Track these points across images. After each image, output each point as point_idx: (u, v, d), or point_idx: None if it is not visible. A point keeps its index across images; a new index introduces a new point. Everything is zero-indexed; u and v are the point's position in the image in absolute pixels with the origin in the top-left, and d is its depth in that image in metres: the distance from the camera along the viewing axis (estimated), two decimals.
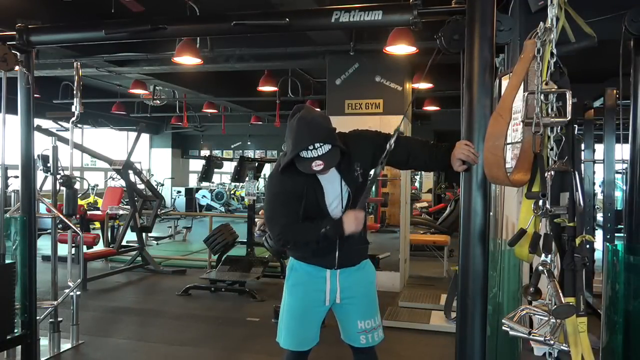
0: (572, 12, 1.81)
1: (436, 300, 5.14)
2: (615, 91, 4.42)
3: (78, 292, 4.08)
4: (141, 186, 7.19)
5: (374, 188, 7.67)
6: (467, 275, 2.11)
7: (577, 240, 1.64)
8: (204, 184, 13.97)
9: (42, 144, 4.09)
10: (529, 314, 1.74)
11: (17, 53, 2.91)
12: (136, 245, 6.98)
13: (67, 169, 4.20)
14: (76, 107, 3.96)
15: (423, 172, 13.80)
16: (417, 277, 6.34)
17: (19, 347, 3.24)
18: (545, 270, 1.69)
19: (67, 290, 3.92)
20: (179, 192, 14.49)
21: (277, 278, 6.11)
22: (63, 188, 4.24)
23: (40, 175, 4.28)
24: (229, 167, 10.19)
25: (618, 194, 6.48)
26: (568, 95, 1.67)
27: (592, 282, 4.74)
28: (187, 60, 5.47)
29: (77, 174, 9.60)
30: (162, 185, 14.05)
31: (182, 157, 15.80)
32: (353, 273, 2.30)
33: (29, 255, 3.08)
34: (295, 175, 2.12)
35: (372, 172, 2.30)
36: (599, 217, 6.32)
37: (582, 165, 4.61)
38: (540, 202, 1.68)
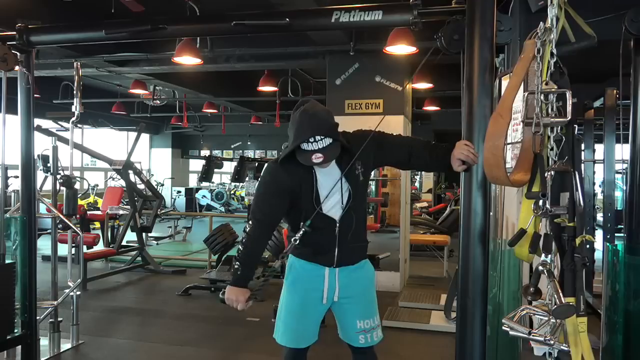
0: (572, 12, 1.81)
1: (436, 300, 5.14)
2: (615, 91, 4.42)
3: (78, 292, 4.08)
4: (141, 186, 7.19)
5: (373, 188, 7.71)
6: (467, 275, 2.11)
7: (577, 240, 1.64)
8: (204, 184, 13.97)
9: (42, 144, 4.09)
10: (529, 314, 1.74)
11: (17, 53, 2.91)
12: (136, 245, 6.98)
13: (67, 169, 4.20)
14: (76, 107, 3.96)
15: (423, 172, 13.79)
16: (417, 277, 6.34)
17: (19, 347, 3.24)
18: (545, 270, 1.69)
19: (67, 290, 3.92)
20: (179, 192, 14.50)
21: (277, 278, 6.10)
22: (63, 188, 4.24)
23: (40, 175, 4.28)
24: (229, 167, 10.19)
25: (618, 194, 6.48)
26: (568, 95, 1.67)
27: (592, 282, 4.74)
28: (187, 60, 5.47)
29: (77, 174, 9.59)
30: (162, 185, 14.06)
31: (182, 157, 15.80)
32: (352, 272, 2.30)
33: (29, 255, 3.08)
34: (294, 169, 2.13)
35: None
36: (599, 217, 6.31)
37: (582, 165, 4.60)
38: (540, 202, 1.68)
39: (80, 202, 7.01)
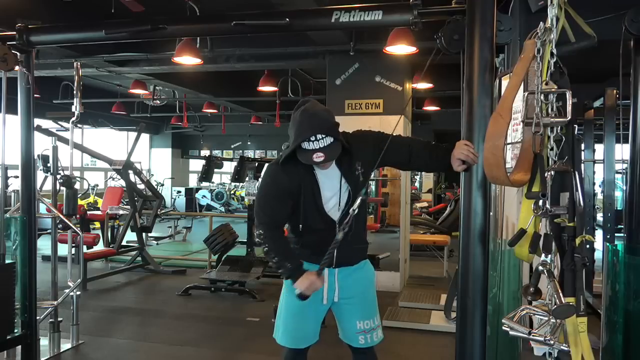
0: (572, 12, 1.81)
1: (436, 300, 5.14)
2: (615, 91, 4.42)
3: (78, 292, 4.08)
4: (141, 186, 7.19)
5: (374, 188, 7.71)
6: (467, 275, 2.11)
7: (577, 240, 1.64)
8: (204, 184, 13.97)
9: (42, 144, 4.09)
10: (529, 314, 1.74)
11: (17, 53, 2.91)
12: (136, 245, 6.98)
13: (67, 169, 4.20)
14: (76, 107, 3.96)
15: (423, 172, 13.78)
16: (417, 277, 6.34)
17: (19, 347, 3.24)
18: (545, 270, 1.69)
19: (67, 290, 3.92)
20: (179, 192, 14.50)
21: (277, 278, 6.11)
22: (63, 188, 4.24)
23: (40, 175, 4.28)
24: (229, 167, 10.18)
25: (618, 194, 6.48)
26: (568, 95, 1.67)
27: (592, 282, 4.74)
28: (187, 60, 5.47)
29: (77, 174, 9.59)
30: (162, 185, 14.06)
31: (182, 157, 15.80)
32: (352, 273, 2.30)
33: (29, 255, 3.08)
34: (293, 170, 2.13)
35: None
36: (599, 217, 6.31)
37: (582, 165, 4.60)
38: (540, 202, 1.68)
39: (80, 202, 7.01)
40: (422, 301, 5.17)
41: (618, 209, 5.03)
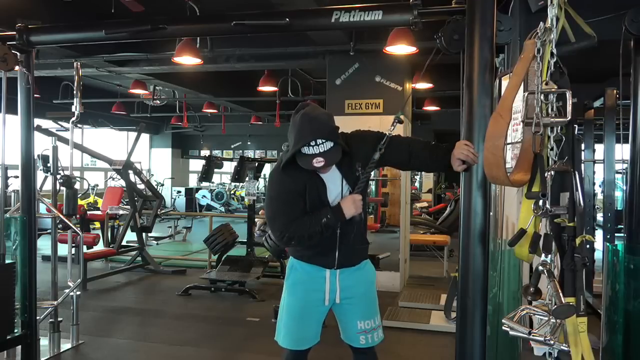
0: (572, 12, 1.81)
1: (436, 300, 5.14)
2: (615, 91, 4.42)
3: (78, 292, 4.08)
4: (141, 186, 7.19)
5: (374, 188, 7.71)
6: (467, 275, 2.11)
7: (577, 240, 1.64)
8: (204, 184, 13.97)
9: (42, 144, 4.09)
10: (529, 314, 1.74)
11: (17, 53, 2.91)
12: (136, 245, 6.98)
13: (67, 169, 4.20)
14: (76, 107, 3.96)
15: (423, 172, 13.79)
16: (417, 277, 6.34)
17: (19, 347, 3.24)
18: (545, 270, 1.69)
19: (67, 290, 3.92)
20: (179, 192, 14.49)
21: (277, 278, 6.11)
22: (63, 188, 4.24)
23: (40, 175, 4.28)
24: (229, 167, 10.18)
25: (618, 194, 6.48)
26: (568, 95, 1.67)
27: (592, 282, 4.74)
28: (187, 60, 5.47)
29: (77, 174, 9.60)
30: (162, 185, 14.06)
31: (182, 157, 15.80)
32: (353, 273, 2.30)
33: (29, 255, 3.08)
34: (296, 172, 2.12)
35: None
36: (599, 217, 6.31)
37: (582, 165, 4.60)
38: (540, 202, 1.68)
39: (80, 202, 7.00)
40: (422, 301, 5.17)
41: (618, 209, 5.03)
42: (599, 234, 5.77)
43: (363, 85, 5.88)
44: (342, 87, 5.98)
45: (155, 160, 15.46)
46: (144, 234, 6.99)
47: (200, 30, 3.11)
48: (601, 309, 2.45)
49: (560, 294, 1.61)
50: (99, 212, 8.81)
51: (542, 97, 1.68)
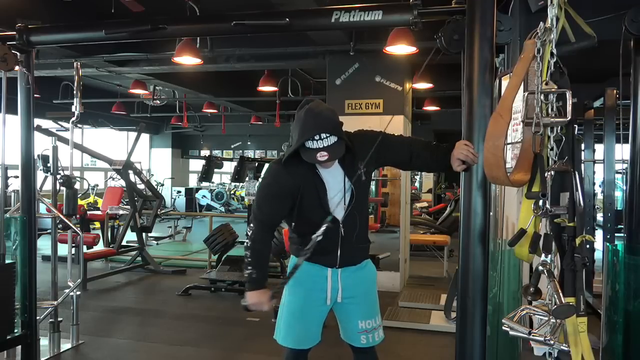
0: (572, 12, 1.81)
1: (436, 300, 5.14)
2: (615, 91, 4.42)
3: (78, 292, 4.08)
4: (141, 186, 7.19)
5: (374, 188, 7.70)
6: (467, 275, 2.11)
7: (577, 240, 1.64)
8: (204, 184, 13.97)
9: (42, 144, 4.09)
10: (529, 314, 1.74)
11: (17, 53, 2.91)
12: (136, 245, 6.98)
13: (67, 169, 4.20)
14: (76, 107, 3.96)
15: (423, 172, 13.78)
16: (417, 277, 6.34)
17: (19, 347, 3.24)
18: (545, 270, 1.69)
19: (67, 290, 3.92)
20: (179, 192, 14.49)
21: (277, 278, 6.11)
22: (63, 188, 4.24)
23: (40, 175, 4.28)
24: (229, 167, 10.18)
25: (618, 194, 6.48)
26: (568, 95, 1.67)
27: (592, 282, 4.74)
28: (187, 60, 5.47)
29: (77, 174, 9.60)
30: (162, 185, 14.05)
31: (182, 157, 15.80)
32: (354, 272, 2.30)
33: (29, 255, 3.08)
34: (296, 169, 2.13)
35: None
36: (599, 217, 6.31)
37: (582, 165, 4.61)
38: (540, 202, 1.68)
39: (80, 202, 7.00)
40: (422, 301, 5.17)
41: (618, 209, 5.03)
42: (599, 234, 5.77)
43: (363, 85, 5.88)
44: (342, 87, 5.98)
45: (155, 160, 15.46)
46: (144, 234, 6.99)
47: (200, 30, 3.11)
48: (601, 309, 2.45)
49: (560, 294, 1.61)
50: (99, 212, 8.81)
51: (542, 97, 1.68)
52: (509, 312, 2.01)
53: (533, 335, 1.61)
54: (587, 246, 1.65)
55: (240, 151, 14.77)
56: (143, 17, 4.62)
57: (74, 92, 4.02)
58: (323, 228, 2.12)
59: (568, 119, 1.67)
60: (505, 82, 2.46)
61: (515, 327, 1.65)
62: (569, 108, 1.67)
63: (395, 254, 6.09)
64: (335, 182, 2.18)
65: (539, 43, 1.68)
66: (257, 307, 2.19)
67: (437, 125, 11.80)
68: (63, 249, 4.80)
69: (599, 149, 5.18)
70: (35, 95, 3.06)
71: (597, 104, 5.13)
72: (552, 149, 1.72)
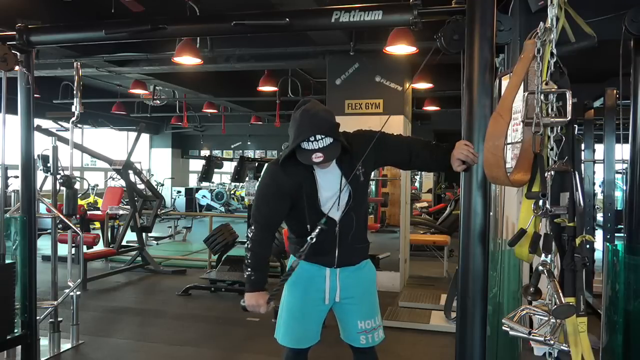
0: (572, 12, 1.81)
1: (436, 300, 5.14)
2: (615, 91, 4.42)
3: (78, 292, 4.08)
4: (141, 186, 7.19)
5: (373, 188, 7.70)
6: (467, 275, 2.11)
7: (577, 240, 1.64)
8: (204, 184, 13.97)
9: (42, 144, 4.09)
10: (529, 314, 1.74)
11: (17, 53, 2.91)
12: (136, 245, 6.98)
13: (67, 169, 4.20)
14: (76, 107, 3.96)
15: (423, 172, 13.79)
16: (417, 277, 6.34)
17: (19, 347, 3.24)
18: (545, 270, 1.69)
19: (67, 290, 3.92)
20: (179, 192, 14.49)
21: (277, 278, 6.10)
22: (63, 188, 4.24)
23: (40, 175, 4.27)
24: (229, 167, 10.18)
25: (618, 194, 6.48)
26: (568, 95, 1.67)
27: (592, 282, 4.74)
28: (187, 60, 5.47)
29: (77, 174, 9.60)
30: (162, 185, 14.05)
31: (182, 157, 15.80)
32: (353, 272, 2.30)
33: (29, 255, 3.08)
34: (294, 169, 2.13)
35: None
36: (599, 217, 6.31)
37: (582, 165, 4.61)
38: (540, 202, 1.68)
39: (80, 202, 7.00)
40: (422, 301, 5.17)
41: (618, 209, 5.03)
42: (599, 234, 5.77)
43: (363, 85, 5.88)
44: (342, 87, 5.98)
45: (155, 160, 15.46)
46: (144, 234, 6.99)
47: (200, 30, 3.11)
48: (601, 309, 2.45)
49: (560, 294, 1.61)
50: (99, 212, 8.81)
51: (542, 97, 1.68)
52: (509, 312, 2.01)
53: (533, 335, 1.61)
54: (587, 246, 1.65)
55: (240, 151, 14.78)
56: (143, 17, 4.62)
57: (74, 92, 4.02)
58: (317, 230, 2.13)
59: (568, 119, 1.67)
60: (505, 82, 2.46)
61: (515, 327, 1.65)
62: (569, 108, 1.67)
63: (395, 254, 6.09)
64: (331, 182, 2.18)
65: (539, 43, 1.68)
66: (255, 309, 2.21)
67: (437, 125, 11.80)
68: (63, 249, 4.80)
69: (599, 149, 5.18)
70: (35, 95, 3.06)
71: (597, 104, 5.13)
72: (552, 149, 1.72)
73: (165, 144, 15.33)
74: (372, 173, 2.32)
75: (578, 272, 1.65)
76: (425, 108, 9.30)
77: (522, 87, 1.74)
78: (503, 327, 1.67)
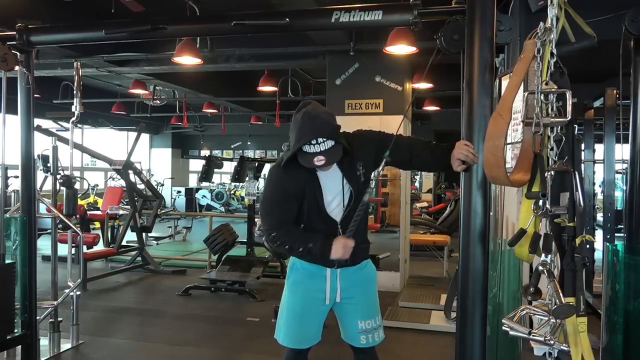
0: (572, 12, 1.81)
1: (436, 300, 5.14)
2: (615, 91, 4.42)
3: (78, 292, 4.08)
4: (141, 186, 7.19)
5: (373, 188, 7.71)
6: (467, 275, 2.11)
7: (577, 240, 1.64)
8: (204, 184, 13.97)
9: (42, 144, 4.09)
10: (529, 314, 1.74)
11: (17, 53, 2.91)
12: (136, 245, 6.98)
13: (67, 169, 4.20)
14: (76, 107, 3.96)
15: (423, 172, 13.79)
16: (417, 277, 6.34)
17: (19, 347, 3.24)
18: (545, 270, 1.69)
19: (67, 290, 3.92)
20: (179, 192, 14.49)
21: (277, 278, 6.11)
22: (63, 188, 4.24)
23: (40, 175, 4.27)
24: (229, 167, 10.19)
25: (618, 194, 6.48)
26: (568, 95, 1.67)
27: (592, 282, 4.74)
28: (187, 60, 5.47)
29: (77, 174, 9.60)
30: (162, 185, 14.06)
31: (182, 157, 15.80)
32: (354, 273, 2.30)
33: (29, 255, 3.08)
34: (296, 172, 2.13)
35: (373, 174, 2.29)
36: (599, 217, 6.31)
37: (582, 165, 4.61)
38: (540, 202, 1.68)
39: (80, 202, 7.00)
40: (422, 301, 5.17)
41: (618, 209, 5.03)
42: (599, 234, 5.77)
43: (363, 85, 5.88)
44: (342, 87, 5.98)
45: (155, 160, 15.46)
46: (144, 234, 6.99)
47: (200, 30, 3.11)
48: (601, 309, 2.45)
49: (560, 294, 1.61)
50: (99, 212, 8.81)
51: (542, 97, 1.68)
52: (509, 312, 2.01)
53: (533, 335, 1.61)
54: (587, 246, 1.65)
55: (240, 151, 14.77)
56: (143, 17, 4.63)
57: (74, 92, 4.02)
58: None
59: (568, 119, 1.67)
60: (505, 82, 2.46)
61: (515, 327, 1.65)
62: (569, 108, 1.67)
63: (395, 254, 6.09)
64: (333, 184, 2.18)
65: (539, 43, 1.68)
66: (348, 250, 2.10)
67: (437, 125, 11.80)
68: (63, 249, 4.80)
69: (599, 149, 5.18)
70: (35, 95, 3.06)
71: (597, 104, 5.13)
72: (552, 149, 1.72)
73: (165, 144, 15.33)
74: (372, 173, 2.32)
75: (578, 272, 1.65)
76: (425, 108, 9.30)
77: (522, 87, 1.74)
78: (503, 327, 1.67)
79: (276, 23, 2.54)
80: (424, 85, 7.32)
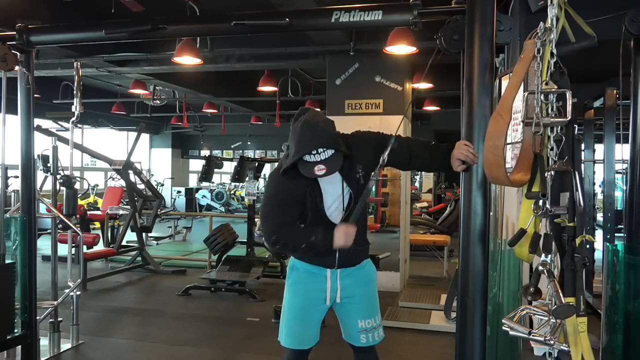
0: (572, 12, 1.81)
1: (436, 300, 5.14)
2: (615, 91, 4.42)
3: (78, 292, 4.07)
4: (141, 186, 7.19)
5: (373, 188, 7.72)
6: (467, 275, 2.11)
7: (577, 240, 1.64)
8: (204, 184, 13.97)
9: (42, 144, 4.09)
10: (529, 314, 1.74)
11: (17, 53, 2.91)
12: (136, 245, 6.98)
13: (67, 169, 4.20)
14: (76, 107, 3.96)
15: (423, 172, 13.79)
16: (417, 277, 6.34)
17: (19, 347, 3.24)
18: (545, 270, 1.69)
19: (67, 290, 3.92)
20: (179, 192, 14.49)
21: (277, 278, 6.11)
22: (63, 188, 4.24)
23: (40, 175, 4.27)
24: (229, 167, 10.19)
25: (618, 194, 6.48)
26: (568, 95, 1.67)
27: (592, 282, 4.74)
28: (187, 60, 5.47)
29: (77, 174, 9.60)
30: (162, 185, 14.05)
31: (182, 157, 15.80)
32: (354, 272, 2.30)
33: (29, 255, 3.08)
34: (296, 177, 2.12)
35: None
36: (599, 217, 6.31)
37: (582, 165, 4.61)
38: (540, 202, 1.68)
39: (80, 202, 7.01)
40: (422, 301, 5.17)
41: (618, 209, 5.04)
42: (599, 234, 5.77)
43: (363, 85, 5.88)
44: (342, 87, 5.98)
45: (155, 160, 15.46)
46: (144, 234, 6.99)
47: (200, 30, 3.11)
48: (601, 309, 2.46)
49: (560, 294, 1.61)
50: (99, 212, 8.81)
51: (542, 97, 1.68)
52: (509, 312, 2.01)
53: (533, 335, 1.61)
54: (587, 246, 1.65)
55: (240, 151, 14.77)
56: (143, 17, 4.62)
57: (74, 92, 4.02)
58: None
59: (568, 119, 1.67)
60: (505, 82, 2.46)
61: (515, 327, 1.65)
62: (569, 108, 1.67)
63: (395, 254, 6.09)
64: (333, 187, 2.18)
65: (539, 43, 1.68)
66: (350, 238, 2.08)
67: (437, 125, 11.79)
68: (63, 249, 4.80)
69: (599, 149, 5.18)
70: (35, 95, 3.06)
71: (597, 104, 5.13)
72: (552, 149, 1.72)
73: (165, 144, 15.33)
74: (372, 174, 2.31)
75: (578, 272, 1.65)
76: (425, 108, 9.30)
77: (522, 87, 1.74)
78: (503, 327, 1.68)
79: (276, 23, 2.54)
80: (424, 85, 7.32)
